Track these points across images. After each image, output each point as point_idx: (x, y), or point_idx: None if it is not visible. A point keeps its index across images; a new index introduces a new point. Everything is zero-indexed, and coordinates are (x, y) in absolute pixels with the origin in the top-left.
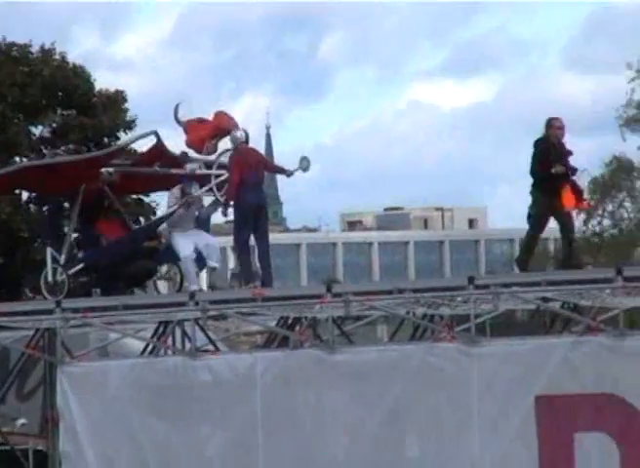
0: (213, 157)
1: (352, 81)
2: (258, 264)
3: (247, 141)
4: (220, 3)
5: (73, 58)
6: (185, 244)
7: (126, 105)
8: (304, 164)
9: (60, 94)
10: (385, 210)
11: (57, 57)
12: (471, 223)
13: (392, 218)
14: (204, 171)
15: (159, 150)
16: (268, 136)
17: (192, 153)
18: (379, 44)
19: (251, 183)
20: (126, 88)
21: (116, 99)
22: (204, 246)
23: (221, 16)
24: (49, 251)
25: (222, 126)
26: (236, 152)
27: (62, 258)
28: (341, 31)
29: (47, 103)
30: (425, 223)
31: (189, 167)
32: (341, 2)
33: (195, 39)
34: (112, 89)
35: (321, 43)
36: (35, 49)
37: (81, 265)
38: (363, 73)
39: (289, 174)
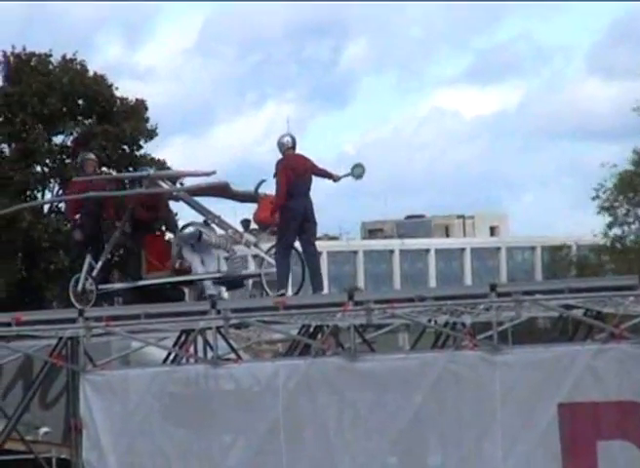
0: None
1: (375, 88)
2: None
3: (294, 147)
4: (244, 11)
5: (96, 66)
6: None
7: (147, 114)
8: (358, 171)
9: (80, 102)
10: (406, 217)
11: (77, 66)
12: (492, 231)
13: (413, 226)
14: (255, 250)
15: (223, 189)
16: None
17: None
18: (401, 51)
19: (297, 190)
20: (149, 96)
21: (137, 108)
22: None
23: (245, 24)
24: (88, 258)
25: None
26: (283, 159)
27: (97, 268)
28: (364, 39)
29: (67, 112)
30: (447, 231)
31: (247, 237)
32: (364, 10)
33: (218, 47)
34: (133, 97)
35: (344, 50)
36: (56, 58)
37: (115, 288)
38: (385, 80)
39: (336, 179)
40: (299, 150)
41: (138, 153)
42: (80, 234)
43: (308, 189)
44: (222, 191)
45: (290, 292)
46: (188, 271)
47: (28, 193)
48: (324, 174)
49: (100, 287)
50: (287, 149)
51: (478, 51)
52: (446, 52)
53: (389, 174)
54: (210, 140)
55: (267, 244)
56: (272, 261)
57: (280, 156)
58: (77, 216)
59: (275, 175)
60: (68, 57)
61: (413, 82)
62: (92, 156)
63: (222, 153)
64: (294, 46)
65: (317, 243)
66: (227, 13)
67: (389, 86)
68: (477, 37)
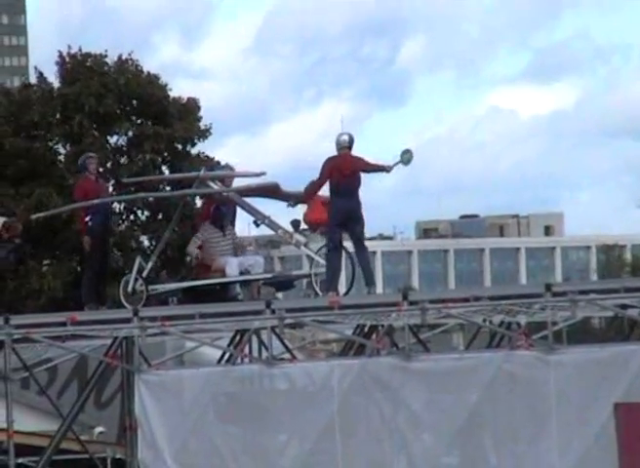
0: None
1: (431, 87)
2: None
3: (350, 147)
4: (302, 9)
5: (153, 66)
6: (233, 265)
7: (200, 114)
8: (407, 157)
9: (134, 103)
10: (461, 217)
11: (132, 66)
12: (547, 230)
13: (468, 226)
14: (305, 250)
15: (274, 190)
16: None
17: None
18: (458, 50)
19: (342, 190)
20: (205, 96)
21: (190, 108)
22: (249, 265)
23: (303, 22)
24: (138, 259)
25: None
26: (332, 158)
27: (147, 268)
28: (421, 37)
29: (122, 113)
30: (501, 230)
31: (297, 237)
32: (422, 8)
33: (276, 46)
34: (186, 97)
35: (401, 49)
36: (112, 59)
37: (165, 289)
38: (442, 79)
39: (389, 169)
40: (356, 149)
41: (191, 152)
42: (89, 241)
43: (355, 190)
44: (273, 192)
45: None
46: (242, 272)
47: None
48: (377, 169)
49: (151, 287)
50: (342, 148)
51: (536, 49)
52: (503, 50)
53: (444, 173)
54: (266, 140)
55: (318, 244)
56: (322, 261)
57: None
58: (87, 219)
59: (321, 170)
60: (124, 57)
61: (470, 81)
62: (93, 154)
63: (278, 153)
64: (351, 44)
65: (372, 243)
66: (286, 11)
67: (446, 84)
68: (535, 36)
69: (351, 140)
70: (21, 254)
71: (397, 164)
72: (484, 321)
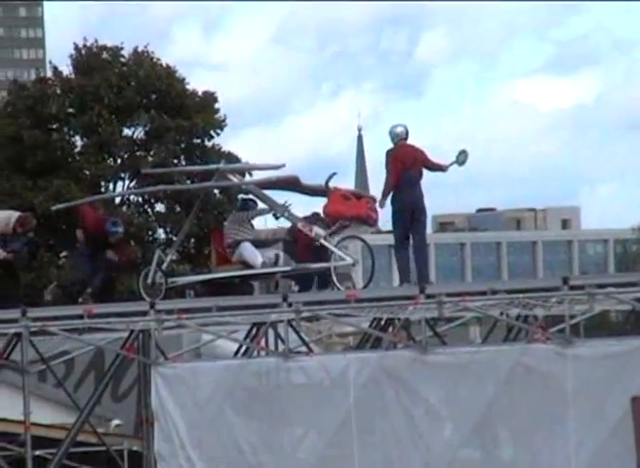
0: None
1: (451, 80)
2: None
3: (406, 138)
4: (321, 3)
5: (173, 58)
6: (257, 254)
7: (217, 106)
8: (462, 158)
9: (153, 95)
10: (478, 211)
11: (149, 59)
12: (565, 224)
13: (485, 219)
14: (324, 242)
15: (293, 182)
16: (360, 138)
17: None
18: (478, 42)
19: (405, 181)
20: (225, 88)
21: (208, 100)
22: (269, 258)
23: (322, 16)
24: (157, 252)
25: (362, 217)
26: (393, 149)
27: (167, 261)
28: (441, 29)
29: (141, 105)
30: (518, 224)
31: (316, 230)
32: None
33: (295, 39)
34: (203, 90)
35: (420, 41)
36: (128, 51)
37: (184, 281)
38: (462, 72)
39: (445, 169)
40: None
41: (208, 144)
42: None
43: (418, 180)
44: (293, 184)
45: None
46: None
47: (102, 185)
48: (437, 167)
49: (170, 279)
50: (399, 140)
51: (556, 42)
52: (524, 43)
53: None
54: (284, 132)
55: (337, 237)
56: (342, 254)
57: (391, 146)
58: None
59: (386, 166)
60: (140, 49)
61: (489, 73)
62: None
63: (296, 145)
64: (371, 37)
65: (389, 236)
66: (306, 4)
67: (465, 77)
68: (555, 28)
69: (407, 132)
70: (35, 248)
71: (452, 164)
72: (501, 314)
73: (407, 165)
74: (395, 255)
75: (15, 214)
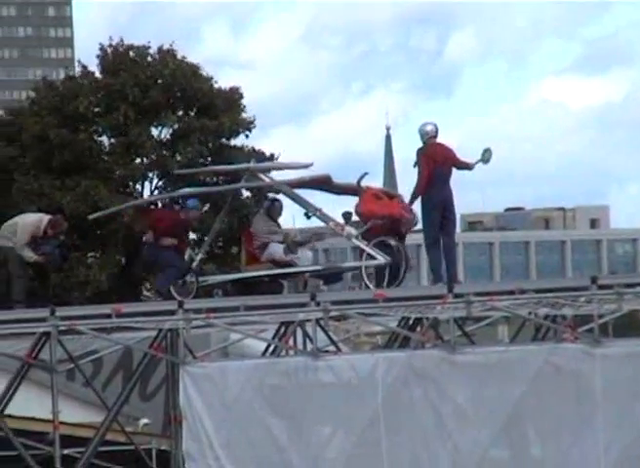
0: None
1: (480, 79)
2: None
3: (436, 136)
4: (350, 1)
5: (201, 57)
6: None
7: (243, 102)
8: (486, 156)
9: (179, 95)
10: (506, 210)
11: (175, 58)
12: (593, 223)
13: (513, 218)
14: (356, 242)
15: (325, 181)
16: (388, 138)
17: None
18: (507, 41)
19: (436, 179)
20: (254, 87)
21: (234, 98)
22: (297, 258)
23: (350, 14)
24: (187, 251)
25: (394, 215)
26: (423, 148)
27: (197, 260)
28: (470, 28)
29: (167, 104)
30: (547, 223)
31: (348, 229)
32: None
33: (324, 38)
34: (229, 86)
35: (449, 40)
36: (153, 50)
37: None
38: (491, 71)
39: (472, 168)
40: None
41: (235, 144)
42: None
43: (448, 178)
44: (324, 183)
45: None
46: (291, 264)
47: (130, 185)
48: (464, 166)
49: (201, 278)
50: (429, 138)
51: (586, 41)
52: (553, 42)
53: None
54: (313, 131)
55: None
56: (373, 253)
57: (421, 144)
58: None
59: (416, 165)
60: (165, 48)
61: (519, 72)
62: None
63: (325, 144)
64: (400, 36)
65: (417, 236)
66: (334, 2)
67: (495, 76)
68: (585, 27)
69: (437, 130)
70: (66, 251)
71: (478, 162)
72: (529, 314)
73: (438, 162)
74: (428, 255)
75: (45, 218)
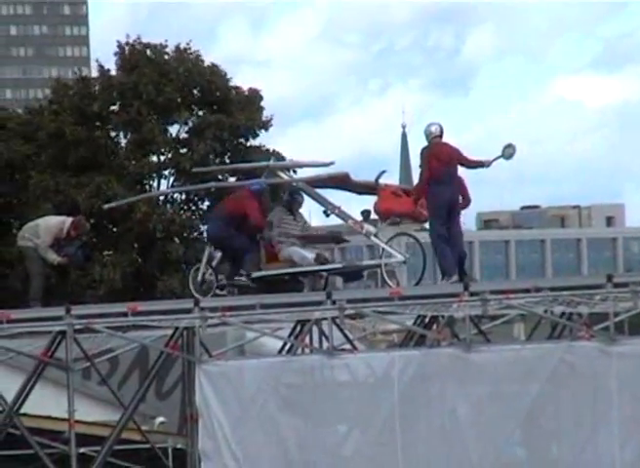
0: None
1: (498, 77)
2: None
3: (441, 136)
4: (368, 0)
5: (218, 55)
6: (305, 253)
7: (262, 104)
8: (509, 152)
9: (195, 92)
10: (522, 208)
11: (192, 55)
12: (609, 221)
13: (529, 217)
14: (375, 240)
15: (343, 180)
16: (404, 136)
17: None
18: (525, 39)
19: (442, 178)
20: (271, 85)
21: (252, 98)
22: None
23: (369, 12)
24: (207, 249)
25: (413, 214)
26: (427, 147)
27: (217, 258)
28: (488, 26)
29: (182, 102)
30: (562, 221)
31: (367, 227)
32: None
33: (342, 36)
34: (247, 87)
35: (467, 38)
36: (170, 48)
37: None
38: (509, 69)
39: (487, 164)
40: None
41: (252, 143)
42: None
43: (453, 177)
44: (343, 182)
45: (454, 279)
46: (324, 262)
47: (144, 182)
48: (475, 164)
49: (220, 276)
50: (434, 138)
51: (604, 39)
52: (571, 40)
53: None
54: (331, 130)
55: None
56: (392, 252)
57: (426, 144)
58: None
59: (420, 163)
60: (182, 46)
61: (536, 71)
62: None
63: (343, 143)
64: (417, 33)
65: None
66: (352, 0)
67: (512, 74)
68: (603, 25)
69: (442, 130)
70: (89, 252)
71: (497, 159)
72: (545, 312)
73: (442, 162)
74: (436, 252)
75: (68, 220)
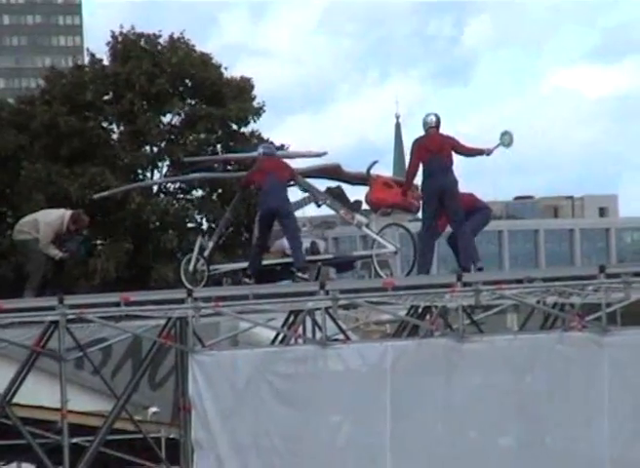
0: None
1: (497, 66)
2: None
3: (437, 126)
4: None
5: (220, 45)
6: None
7: (253, 93)
8: (506, 139)
9: (187, 82)
10: (515, 198)
11: (184, 46)
12: (602, 212)
13: (522, 207)
14: (366, 230)
15: (335, 170)
16: (398, 126)
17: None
18: (524, 29)
19: (432, 169)
20: (270, 74)
21: (244, 87)
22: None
23: (368, 1)
24: (199, 239)
25: (404, 204)
26: (419, 138)
27: (209, 248)
28: (487, 16)
29: (175, 92)
30: (555, 212)
31: (358, 218)
32: None
33: (341, 25)
34: (239, 76)
35: (466, 28)
36: (164, 39)
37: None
38: (508, 59)
39: (488, 153)
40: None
41: (245, 131)
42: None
43: (445, 168)
44: (334, 172)
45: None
46: (316, 252)
47: (139, 173)
48: (475, 152)
49: (212, 267)
50: (429, 128)
51: (602, 29)
52: (569, 29)
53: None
54: (329, 119)
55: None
56: (384, 242)
57: (421, 135)
58: None
59: (410, 153)
60: (176, 36)
61: (535, 60)
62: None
63: (341, 132)
64: (416, 23)
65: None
66: None
67: (511, 64)
68: (602, 15)
69: (438, 120)
70: (90, 246)
71: (498, 146)
72: (538, 302)
73: (433, 152)
74: (418, 241)
75: (67, 213)
